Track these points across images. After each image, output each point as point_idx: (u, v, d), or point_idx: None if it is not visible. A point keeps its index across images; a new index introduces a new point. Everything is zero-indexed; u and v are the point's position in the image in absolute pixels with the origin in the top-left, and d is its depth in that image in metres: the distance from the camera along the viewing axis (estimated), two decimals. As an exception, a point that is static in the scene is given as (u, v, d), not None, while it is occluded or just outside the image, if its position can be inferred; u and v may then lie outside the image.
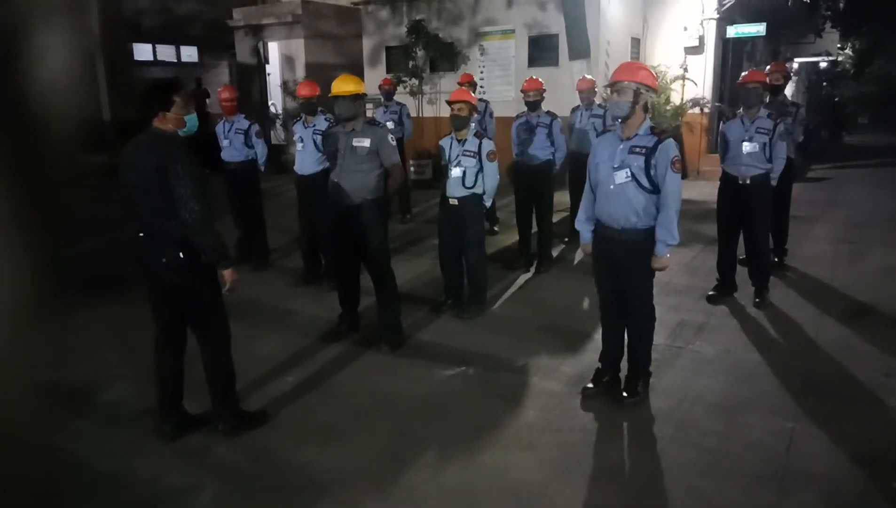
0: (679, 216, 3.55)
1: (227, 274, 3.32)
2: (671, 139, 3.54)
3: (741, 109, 5.32)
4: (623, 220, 3.58)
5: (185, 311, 3.40)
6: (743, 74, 5.41)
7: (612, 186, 3.59)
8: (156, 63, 17.22)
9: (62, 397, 4.01)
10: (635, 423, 3.64)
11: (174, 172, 3.08)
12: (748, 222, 5.34)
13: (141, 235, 3.25)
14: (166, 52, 17.45)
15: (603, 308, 3.94)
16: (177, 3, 16.72)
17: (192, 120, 3.33)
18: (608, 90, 3.57)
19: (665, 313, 5.20)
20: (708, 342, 4.71)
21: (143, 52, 16.87)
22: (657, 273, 3.74)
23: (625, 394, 3.82)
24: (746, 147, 5.17)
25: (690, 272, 6.32)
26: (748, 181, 5.24)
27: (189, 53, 17.87)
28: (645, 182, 3.51)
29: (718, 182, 5.58)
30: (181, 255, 3.20)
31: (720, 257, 5.61)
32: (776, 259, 6.31)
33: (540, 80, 6.55)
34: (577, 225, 3.96)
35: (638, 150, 3.53)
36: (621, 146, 3.59)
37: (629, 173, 3.52)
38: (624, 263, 3.68)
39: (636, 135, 3.56)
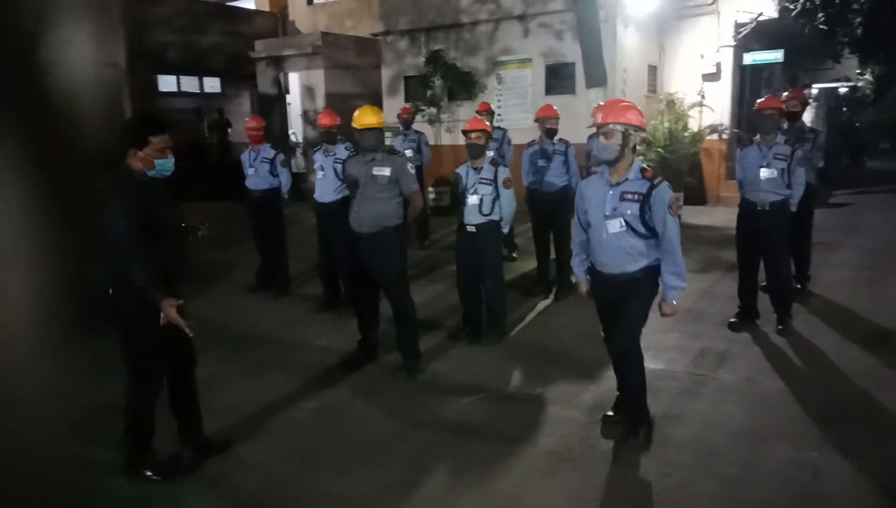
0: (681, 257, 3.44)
1: (168, 312, 3.11)
2: (665, 183, 3.38)
3: (758, 136, 5.32)
4: (619, 268, 3.46)
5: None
6: (759, 100, 5.41)
7: (604, 235, 3.44)
8: (180, 94, 17.61)
9: (83, 420, 4.04)
10: (656, 452, 3.59)
11: (106, 214, 3.07)
12: (767, 249, 5.30)
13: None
14: (190, 84, 17.85)
15: (606, 341, 3.75)
16: (200, 36, 17.14)
17: (163, 165, 3.20)
18: (597, 131, 3.41)
19: (686, 340, 5.17)
20: (730, 369, 4.65)
21: (167, 83, 17.27)
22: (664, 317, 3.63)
23: (629, 435, 3.64)
24: (764, 173, 5.15)
25: (711, 299, 6.26)
26: (767, 207, 5.21)
27: (212, 84, 18.26)
28: (641, 229, 3.38)
29: (736, 208, 5.56)
30: (110, 291, 3.21)
31: (741, 284, 5.55)
32: (798, 286, 6.24)
33: (554, 107, 6.62)
34: (573, 265, 3.86)
35: (630, 196, 3.37)
36: (611, 192, 3.43)
37: (623, 223, 3.38)
38: (619, 299, 3.52)
39: (626, 179, 3.40)
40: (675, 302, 3.51)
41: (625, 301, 3.50)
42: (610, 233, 3.41)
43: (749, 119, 12.71)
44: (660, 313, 3.57)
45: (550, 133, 6.47)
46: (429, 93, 12.51)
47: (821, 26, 12.35)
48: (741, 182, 5.42)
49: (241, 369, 4.92)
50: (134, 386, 3.32)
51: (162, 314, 3.14)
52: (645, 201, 3.33)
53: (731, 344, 5.13)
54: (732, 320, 5.51)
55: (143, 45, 15.98)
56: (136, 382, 3.32)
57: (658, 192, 3.33)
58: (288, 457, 3.65)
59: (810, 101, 12.66)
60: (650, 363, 4.75)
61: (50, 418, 4.15)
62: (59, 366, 5.12)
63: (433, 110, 12.57)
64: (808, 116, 11.59)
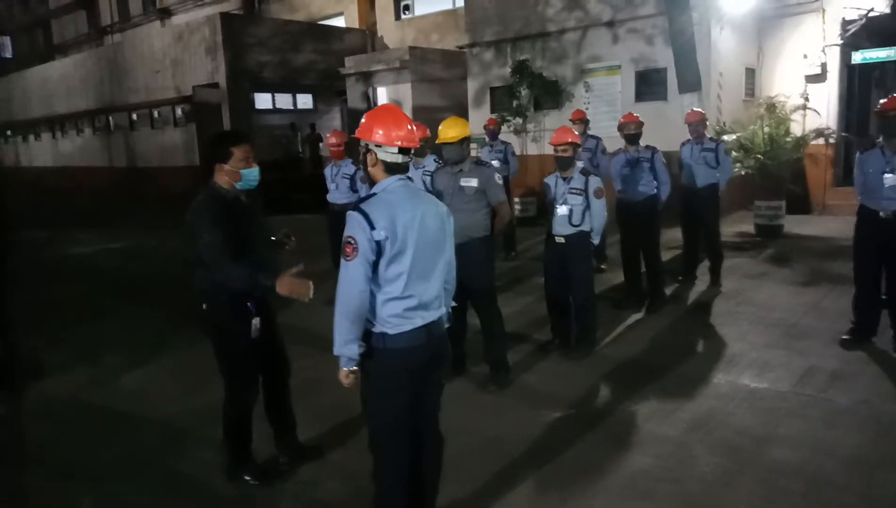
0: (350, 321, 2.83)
1: (284, 284, 3.09)
2: (355, 212, 2.65)
3: (881, 139, 4.94)
4: None
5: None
6: (881, 101, 4.99)
7: None
8: (275, 111, 18.40)
9: (182, 425, 4.24)
10: (762, 476, 3.38)
11: (195, 230, 3.17)
12: (890, 260, 4.90)
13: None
14: (284, 101, 18.63)
15: None
16: (294, 55, 17.84)
17: (249, 174, 3.28)
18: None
19: (792, 357, 4.88)
20: (842, 390, 4.33)
21: (263, 100, 18.08)
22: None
23: None
24: (888, 180, 4.77)
25: (819, 314, 5.87)
26: (891, 216, 4.82)
27: (304, 101, 18.97)
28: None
29: (845, 217, 5.19)
30: (204, 306, 3.32)
31: (857, 298, 5.14)
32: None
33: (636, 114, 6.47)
34: None
35: None
36: None
37: None
38: None
39: None
40: (343, 369, 2.89)
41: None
42: None
43: (859, 121, 11.94)
44: None
45: (632, 139, 6.29)
46: (514, 103, 12.47)
47: (940, 20, 11.41)
48: (860, 188, 5.04)
49: (329, 377, 5.01)
50: (230, 395, 3.46)
51: (253, 328, 3.29)
52: None
53: (842, 363, 4.79)
54: (845, 336, 5.13)
55: (242, 66, 16.82)
56: (231, 391, 3.45)
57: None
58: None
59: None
60: (752, 382, 4.53)
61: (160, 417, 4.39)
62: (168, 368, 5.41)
63: (519, 120, 12.51)
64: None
